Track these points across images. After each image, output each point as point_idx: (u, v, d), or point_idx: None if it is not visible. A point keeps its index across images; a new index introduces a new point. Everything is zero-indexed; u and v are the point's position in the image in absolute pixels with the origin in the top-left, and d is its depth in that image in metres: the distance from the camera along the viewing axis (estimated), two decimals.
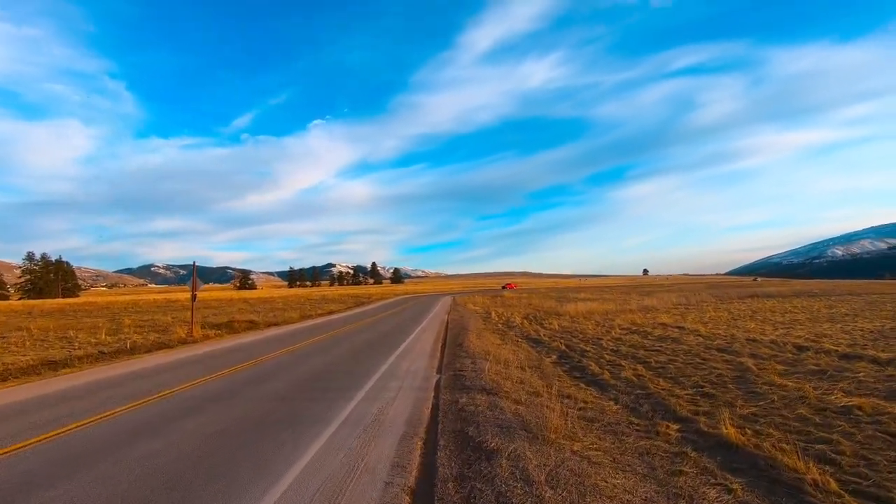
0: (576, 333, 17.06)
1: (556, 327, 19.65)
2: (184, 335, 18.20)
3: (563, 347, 13.48)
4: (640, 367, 10.18)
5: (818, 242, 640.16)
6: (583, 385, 8.87)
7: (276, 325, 23.08)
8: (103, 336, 19.07)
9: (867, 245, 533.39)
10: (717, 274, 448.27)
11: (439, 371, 9.59)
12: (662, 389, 8.23)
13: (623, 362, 10.78)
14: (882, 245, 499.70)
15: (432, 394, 7.53)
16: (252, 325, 22.32)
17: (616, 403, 7.37)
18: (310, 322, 24.18)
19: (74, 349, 14.80)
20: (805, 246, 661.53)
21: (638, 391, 8.21)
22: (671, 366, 10.26)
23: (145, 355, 13.28)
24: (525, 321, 23.33)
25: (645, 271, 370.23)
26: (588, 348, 13.07)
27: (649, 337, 15.25)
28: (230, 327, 21.59)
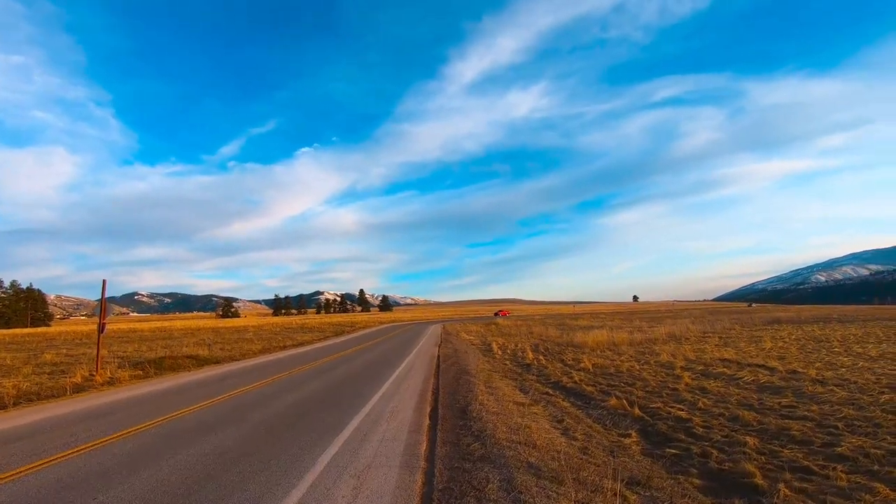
0: (627, 378, 12.04)
1: (589, 366, 14.61)
2: (80, 380, 13.02)
3: (639, 412, 8.13)
4: (882, 486, 4.86)
5: (802, 269, 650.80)
6: None
7: (219, 363, 17.75)
8: None
9: (849, 271, 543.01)
10: (706, 300, 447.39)
11: None
12: None
13: (791, 453, 5.66)
14: (863, 271, 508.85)
15: None
16: (185, 364, 17.02)
17: None
18: (266, 358, 18.88)
19: None
20: (789, 272, 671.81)
21: None
22: None
23: None
24: (539, 356, 18.36)
25: (635, 297, 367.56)
26: (683, 413, 7.88)
27: (743, 384, 10.36)
28: (159, 365, 16.33)
